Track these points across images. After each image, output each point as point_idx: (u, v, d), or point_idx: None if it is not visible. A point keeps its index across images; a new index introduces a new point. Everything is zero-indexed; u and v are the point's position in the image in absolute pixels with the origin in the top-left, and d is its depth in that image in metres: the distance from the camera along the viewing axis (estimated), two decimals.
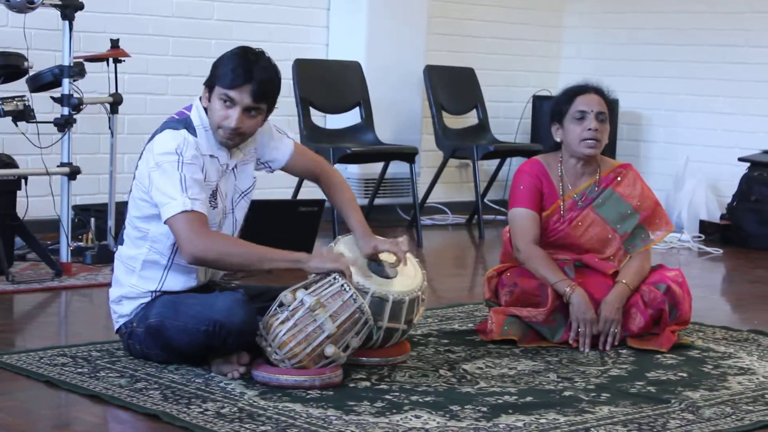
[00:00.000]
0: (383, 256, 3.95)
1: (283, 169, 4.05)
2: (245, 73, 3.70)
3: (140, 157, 3.80)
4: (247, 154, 3.92)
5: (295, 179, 6.88)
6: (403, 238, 3.96)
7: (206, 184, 3.75)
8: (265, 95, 3.75)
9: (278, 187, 7.18)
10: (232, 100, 3.71)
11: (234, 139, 3.78)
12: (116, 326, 3.90)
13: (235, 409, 3.37)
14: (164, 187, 3.66)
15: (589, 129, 4.40)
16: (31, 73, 5.59)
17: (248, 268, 3.75)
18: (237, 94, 3.70)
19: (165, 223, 3.68)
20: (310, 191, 6.79)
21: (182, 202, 3.63)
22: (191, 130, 3.76)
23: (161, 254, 3.80)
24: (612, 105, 4.53)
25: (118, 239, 3.94)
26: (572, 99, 4.46)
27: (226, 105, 3.72)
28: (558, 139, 4.50)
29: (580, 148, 4.42)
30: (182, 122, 3.78)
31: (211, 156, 3.79)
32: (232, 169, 3.88)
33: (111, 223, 5.83)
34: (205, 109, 3.79)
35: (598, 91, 4.49)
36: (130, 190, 3.85)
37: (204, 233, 3.65)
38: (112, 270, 3.93)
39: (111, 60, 5.91)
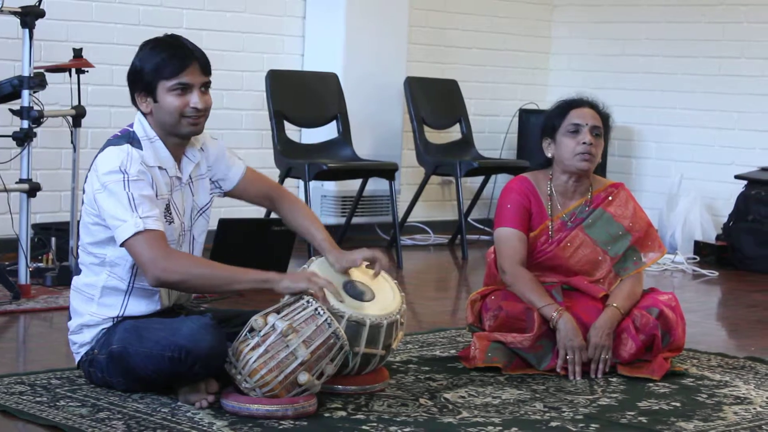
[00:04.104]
0: (358, 277, 3.95)
1: (234, 192, 4.05)
2: (184, 54, 3.77)
3: (86, 180, 3.80)
4: (201, 167, 3.93)
5: None
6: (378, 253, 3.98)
7: (159, 199, 3.74)
8: (209, 65, 3.83)
9: (250, 204, 7.16)
10: (187, 84, 3.75)
11: (200, 122, 3.80)
12: (77, 358, 3.88)
13: None
14: (113, 209, 3.66)
15: (584, 143, 4.40)
16: None
17: (215, 289, 3.74)
18: (189, 77, 3.76)
19: (121, 246, 3.67)
20: None
21: (134, 223, 3.62)
22: (136, 143, 3.76)
23: (121, 279, 3.78)
24: (607, 121, 4.54)
25: (74, 269, 3.92)
26: (566, 112, 4.47)
27: (181, 93, 3.75)
28: (549, 155, 4.50)
29: (573, 162, 4.43)
30: (125, 137, 3.78)
31: (160, 168, 3.79)
32: (188, 183, 3.88)
33: (73, 242, 5.81)
34: (145, 116, 3.80)
35: (593, 105, 4.51)
36: (81, 216, 3.84)
37: (165, 253, 3.64)
38: (69, 301, 3.91)
39: (73, 70, 5.90)
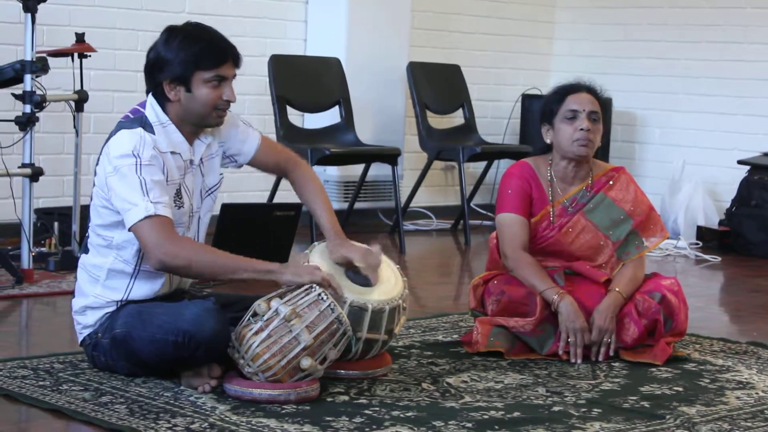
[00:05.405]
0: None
1: (250, 163, 4.05)
2: (222, 46, 3.78)
3: (98, 162, 3.80)
4: (212, 147, 3.92)
5: (271, 180, 6.87)
6: (376, 248, 3.95)
7: (169, 184, 3.74)
8: (240, 58, 3.85)
9: (253, 189, 7.17)
10: (224, 77, 3.76)
11: (225, 114, 3.83)
12: (80, 338, 3.89)
13: (206, 424, 3.36)
14: (124, 193, 3.65)
15: (581, 129, 4.40)
16: None
17: (217, 277, 3.74)
18: (226, 69, 3.77)
19: (129, 230, 3.67)
20: (287, 194, 6.76)
21: (144, 207, 3.62)
22: (148, 128, 3.75)
23: (127, 262, 3.79)
24: (605, 105, 4.54)
25: (82, 247, 3.93)
26: (563, 98, 4.47)
27: (217, 85, 3.75)
28: (548, 141, 4.50)
29: (571, 149, 4.42)
30: (137, 120, 3.77)
31: (173, 152, 3.78)
32: (198, 165, 3.88)
33: (75, 227, 5.81)
34: (162, 104, 3.78)
35: (590, 89, 4.50)
36: (91, 197, 3.84)
37: (171, 239, 3.64)
38: (76, 278, 3.92)
39: (76, 55, 5.89)
